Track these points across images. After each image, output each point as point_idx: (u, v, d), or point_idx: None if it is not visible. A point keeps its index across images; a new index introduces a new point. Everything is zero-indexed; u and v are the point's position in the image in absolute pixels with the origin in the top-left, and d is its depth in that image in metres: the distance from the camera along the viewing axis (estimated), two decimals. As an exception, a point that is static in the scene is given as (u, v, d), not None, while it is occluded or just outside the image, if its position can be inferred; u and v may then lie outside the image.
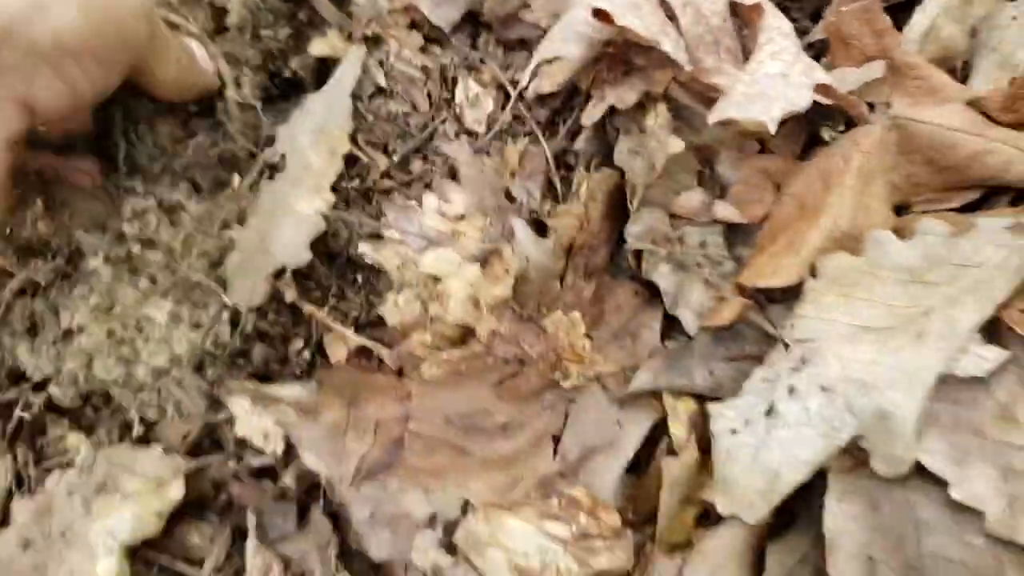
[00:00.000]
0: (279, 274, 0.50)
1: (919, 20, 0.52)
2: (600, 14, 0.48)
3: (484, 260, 0.49)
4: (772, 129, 0.43)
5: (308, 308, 0.49)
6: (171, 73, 0.49)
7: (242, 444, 0.57)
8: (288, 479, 0.55)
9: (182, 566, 0.57)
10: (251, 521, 0.56)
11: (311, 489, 0.57)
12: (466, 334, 0.49)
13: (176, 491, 0.55)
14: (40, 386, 0.55)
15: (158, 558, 0.57)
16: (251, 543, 0.56)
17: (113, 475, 0.55)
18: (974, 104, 0.49)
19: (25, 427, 0.57)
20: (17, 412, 0.56)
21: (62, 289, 0.51)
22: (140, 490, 0.54)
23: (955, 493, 0.44)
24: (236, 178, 0.54)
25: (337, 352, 0.50)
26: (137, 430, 0.54)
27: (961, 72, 0.51)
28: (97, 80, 0.43)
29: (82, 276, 0.50)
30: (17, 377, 0.55)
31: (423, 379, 0.50)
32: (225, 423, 0.56)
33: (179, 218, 0.51)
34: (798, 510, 0.51)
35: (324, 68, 0.61)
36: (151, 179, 0.53)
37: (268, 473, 0.57)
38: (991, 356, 0.44)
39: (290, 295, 0.49)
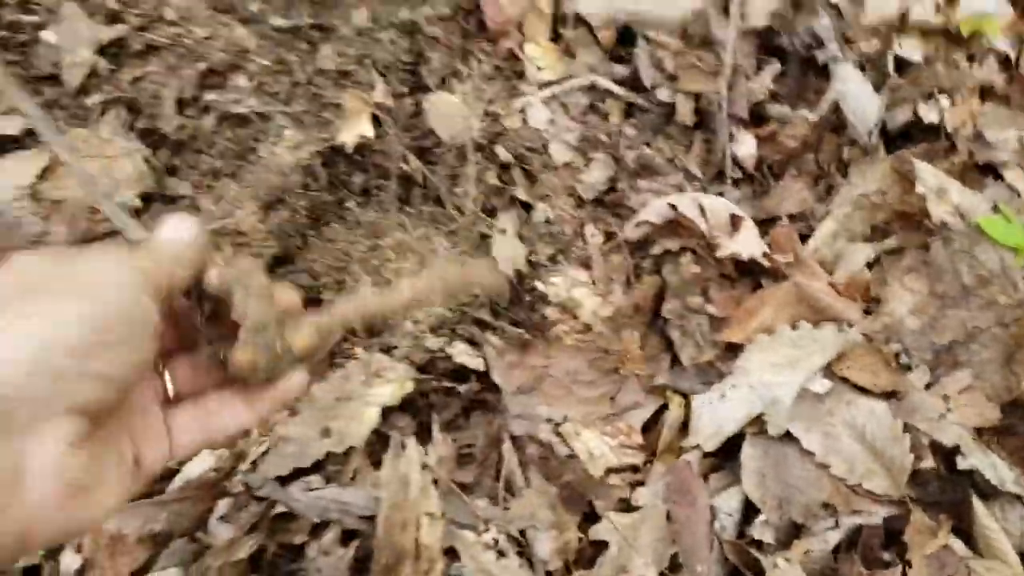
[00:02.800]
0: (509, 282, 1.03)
1: (811, 243, 1.11)
2: (673, 207, 1.06)
3: (603, 296, 1.02)
4: (756, 257, 1.00)
5: (493, 321, 1.02)
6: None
7: (443, 375, 1.06)
8: (463, 390, 1.04)
9: (391, 432, 1.03)
10: (436, 417, 1.04)
11: (473, 404, 1.05)
12: (586, 330, 1.02)
13: (409, 387, 1.03)
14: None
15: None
16: (435, 426, 1.03)
17: (377, 371, 1.03)
18: (831, 284, 1.07)
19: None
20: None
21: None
22: (393, 380, 1.02)
23: (804, 445, 0.96)
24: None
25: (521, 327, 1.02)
26: (401, 350, 1.04)
27: (829, 268, 1.09)
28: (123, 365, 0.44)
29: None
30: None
31: (560, 349, 1.02)
32: (441, 358, 1.05)
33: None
34: (725, 464, 1.02)
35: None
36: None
37: (449, 392, 1.06)
38: (825, 384, 0.98)
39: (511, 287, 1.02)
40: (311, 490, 0.93)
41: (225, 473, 0.93)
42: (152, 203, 1.14)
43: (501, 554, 0.91)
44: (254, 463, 0.98)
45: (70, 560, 0.83)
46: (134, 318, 0.45)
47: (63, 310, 0.43)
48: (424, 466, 0.93)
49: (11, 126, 1.09)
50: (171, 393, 0.55)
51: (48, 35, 1.18)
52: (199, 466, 0.93)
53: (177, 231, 0.52)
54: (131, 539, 0.85)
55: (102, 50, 1.19)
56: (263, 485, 0.88)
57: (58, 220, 1.05)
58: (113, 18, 1.20)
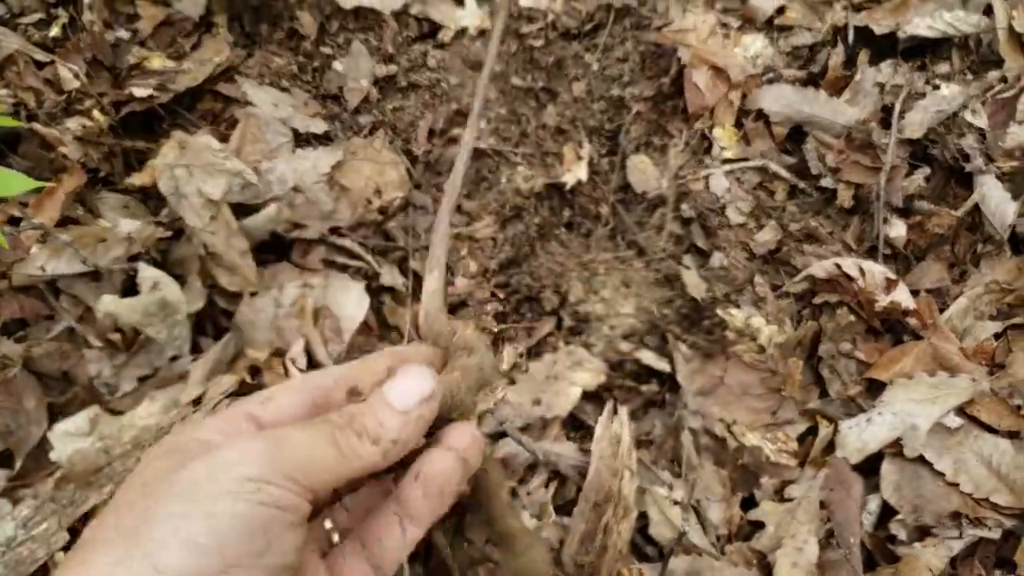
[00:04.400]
0: (703, 301, 1.26)
1: (946, 314, 1.32)
2: (837, 266, 1.29)
3: (778, 327, 1.25)
4: (909, 308, 1.22)
5: (684, 334, 1.25)
6: None
7: (628, 375, 1.28)
8: (644, 388, 1.26)
9: (580, 415, 1.25)
10: (623, 410, 1.25)
11: (651, 402, 1.27)
12: (760, 351, 1.24)
13: (602, 378, 1.25)
14: (553, 314, 1.29)
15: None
16: (623, 412, 1.24)
17: (580, 361, 1.25)
18: (961, 348, 1.28)
19: (547, 342, 1.29)
20: (543, 330, 1.29)
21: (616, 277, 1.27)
22: (589, 370, 1.25)
23: (936, 467, 1.15)
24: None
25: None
26: (597, 348, 1.26)
27: (959, 336, 1.30)
28: None
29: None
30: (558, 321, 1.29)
31: (736, 363, 1.23)
32: (629, 361, 1.27)
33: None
34: (867, 474, 1.21)
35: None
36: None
37: (632, 390, 1.27)
38: (957, 420, 1.18)
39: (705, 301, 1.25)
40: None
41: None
42: (406, 208, 1.40)
43: (684, 511, 1.10)
44: (479, 417, 1.20)
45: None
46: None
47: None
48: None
49: (316, 126, 1.38)
50: (335, 541, 0.47)
51: (338, 65, 1.49)
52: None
53: (405, 388, 0.43)
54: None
55: (376, 82, 1.49)
56: (505, 422, 1.10)
57: (344, 203, 1.31)
58: (388, 59, 1.51)
